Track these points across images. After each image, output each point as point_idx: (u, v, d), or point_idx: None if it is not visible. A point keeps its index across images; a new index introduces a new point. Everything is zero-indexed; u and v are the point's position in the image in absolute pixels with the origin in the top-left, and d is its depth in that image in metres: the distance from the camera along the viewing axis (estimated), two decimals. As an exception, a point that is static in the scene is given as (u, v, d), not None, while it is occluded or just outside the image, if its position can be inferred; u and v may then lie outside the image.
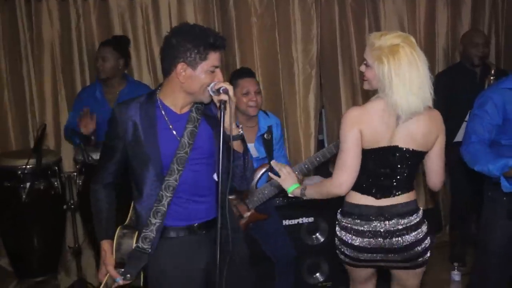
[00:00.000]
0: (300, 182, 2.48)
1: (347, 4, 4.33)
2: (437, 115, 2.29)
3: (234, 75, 3.26)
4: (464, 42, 4.16)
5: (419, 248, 2.29)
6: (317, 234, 3.63)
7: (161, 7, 4.06)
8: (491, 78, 3.82)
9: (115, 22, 4.03)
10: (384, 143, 2.20)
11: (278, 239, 3.25)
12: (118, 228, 2.22)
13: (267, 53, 4.23)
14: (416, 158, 2.27)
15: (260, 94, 3.17)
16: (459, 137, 3.70)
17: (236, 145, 2.15)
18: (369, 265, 2.39)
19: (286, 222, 3.55)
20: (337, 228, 2.36)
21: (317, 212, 3.61)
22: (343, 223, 2.33)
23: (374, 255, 2.29)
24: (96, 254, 3.52)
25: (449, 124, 3.92)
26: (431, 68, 4.45)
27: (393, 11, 4.48)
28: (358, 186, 2.28)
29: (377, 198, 2.27)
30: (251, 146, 2.93)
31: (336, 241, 2.38)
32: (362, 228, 2.27)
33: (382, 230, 2.25)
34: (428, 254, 2.35)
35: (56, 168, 3.76)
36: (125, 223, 2.27)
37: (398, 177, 2.26)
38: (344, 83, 4.36)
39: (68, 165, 4.02)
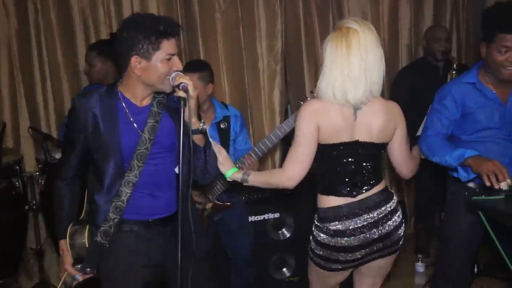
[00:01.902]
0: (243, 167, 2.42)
1: (311, 0, 4.35)
2: (394, 106, 2.28)
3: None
4: (427, 37, 4.22)
5: (400, 231, 2.29)
6: (283, 229, 3.64)
7: (123, 2, 4.01)
8: (453, 72, 3.89)
9: (76, 18, 3.95)
10: (345, 138, 2.18)
11: (239, 235, 3.26)
12: (70, 225, 2.19)
13: (231, 49, 4.21)
14: (377, 150, 2.26)
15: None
16: (420, 131, 3.75)
17: (198, 139, 2.13)
18: (357, 264, 2.32)
19: (252, 218, 3.54)
20: (322, 237, 2.24)
21: (283, 208, 3.61)
22: (325, 228, 2.23)
23: (364, 250, 2.24)
24: (59, 255, 3.45)
25: (412, 118, 4.01)
26: (395, 64, 4.60)
27: (357, 6, 4.52)
28: (331, 190, 2.24)
29: (353, 196, 2.23)
30: None
31: (322, 252, 2.25)
32: (348, 228, 2.20)
33: (365, 223, 2.21)
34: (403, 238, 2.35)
35: (17, 167, 3.65)
36: (80, 218, 2.25)
37: (364, 171, 2.24)
38: (309, 78, 4.38)
39: (29, 165, 3.92)
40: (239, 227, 3.27)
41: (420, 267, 3.86)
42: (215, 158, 2.26)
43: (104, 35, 3.98)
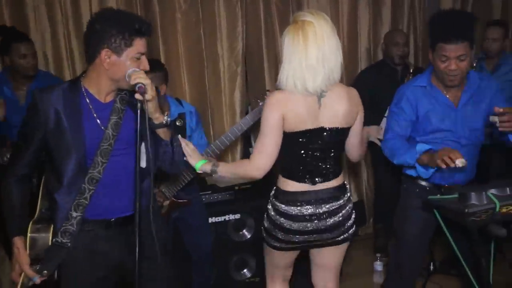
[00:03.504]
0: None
1: (272, 2, 4.37)
2: (354, 92, 2.37)
3: None
4: (386, 41, 4.31)
5: (349, 223, 2.39)
6: (244, 230, 3.64)
7: (81, 1, 3.91)
8: (410, 76, 3.99)
9: (30, 17, 3.83)
10: (310, 125, 2.23)
11: (198, 233, 3.25)
12: (30, 223, 2.12)
13: (192, 50, 4.19)
14: (342, 135, 2.34)
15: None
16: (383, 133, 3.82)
17: (163, 133, 2.12)
18: (301, 247, 2.41)
19: (212, 219, 3.54)
20: (271, 213, 2.35)
21: (243, 209, 3.61)
22: (280, 208, 2.32)
23: (309, 236, 2.32)
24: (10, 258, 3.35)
25: (371, 119, 4.09)
26: (354, 67, 4.66)
27: (317, 7, 4.54)
28: (292, 174, 2.31)
29: (313, 184, 2.31)
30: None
31: (268, 225, 2.38)
32: (300, 213, 2.29)
33: (318, 213, 2.29)
34: (353, 229, 2.43)
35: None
36: (35, 217, 2.16)
37: (328, 159, 2.31)
38: (269, 80, 4.39)
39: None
40: (199, 224, 3.27)
41: (378, 266, 3.93)
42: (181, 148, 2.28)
43: (61, 36, 3.89)
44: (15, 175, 2.10)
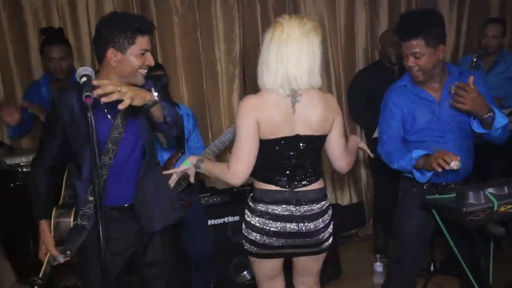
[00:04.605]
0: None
1: (269, 4, 4.39)
2: (331, 98, 2.34)
3: None
4: (383, 42, 4.29)
5: (326, 233, 2.36)
6: (243, 232, 3.63)
7: (78, 5, 3.95)
8: (405, 76, 3.99)
9: (28, 21, 3.87)
10: (285, 132, 2.21)
11: (197, 235, 3.25)
12: (54, 209, 2.31)
13: (189, 53, 4.20)
14: (318, 143, 2.31)
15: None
16: (377, 133, 3.81)
17: (157, 111, 2.10)
18: (279, 253, 2.37)
19: (212, 222, 3.54)
20: (248, 215, 2.33)
21: (242, 211, 3.57)
22: (258, 208, 2.29)
23: (287, 240, 2.29)
24: (11, 262, 3.38)
25: (368, 120, 4.09)
26: (351, 67, 4.66)
27: (314, 11, 4.57)
28: (269, 179, 2.29)
29: (290, 188, 2.29)
30: (160, 136, 2.91)
31: (245, 230, 2.34)
32: (278, 212, 2.26)
33: (297, 214, 2.27)
34: (331, 240, 2.41)
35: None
36: (60, 203, 2.35)
37: (306, 165, 2.29)
38: (267, 82, 4.38)
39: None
40: (198, 225, 3.27)
41: (378, 266, 3.91)
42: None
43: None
44: (42, 167, 2.29)
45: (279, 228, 2.27)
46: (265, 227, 2.28)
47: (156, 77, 2.90)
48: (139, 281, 2.48)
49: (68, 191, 2.37)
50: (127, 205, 2.30)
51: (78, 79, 1.94)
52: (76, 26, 3.93)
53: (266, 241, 2.30)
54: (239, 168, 2.19)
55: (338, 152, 2.39)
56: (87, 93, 1.81)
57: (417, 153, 2.51)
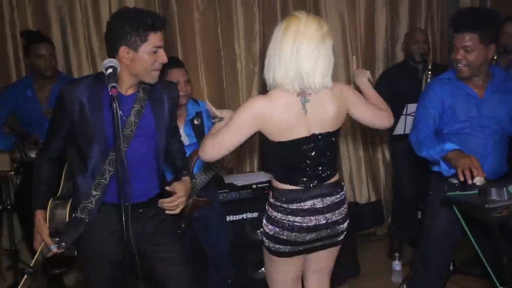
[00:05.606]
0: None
1: (289, 2, 4.39)
2: (340, 88, 2.26)
3: (164, 66, 3.22)
4: (407, 41, 4.32)
5: (345, 225, 2.36)
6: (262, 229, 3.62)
7: (100, 1, 3.97)
8: (429, 73, 3.98)
9: (52, 16, 3.91)
10: (301, 133, 2.18)
11: (214, 233, 3.24)
12: (51, 200, 2.29)
13: (210, 49, 4.22)
14: (334, 136, 2.29)
15: (190, 84, 3.14)
16: (398, 131, 3.80)
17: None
18: (304, 250, 2.34)
19: (230, 218, 3.54)
20: (273, 214, 2.28)
21: (261, 207, 3.58)
22: (283, 206, 2.26)
23: (311, 233, 2.27)
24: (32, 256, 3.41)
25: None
26: (372, 67, 4.64)
27: (334, 7, 4.57)
28: (288, 179, 2.27)
29: (313, 185, 2.27)
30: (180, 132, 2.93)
31: (271, 228, 2.30)
32: (305, 208, 2.24)
33: (319, 206, 2.26)
34: (345, 232, 2.40)
35: (-11, 166, 3.60)
36: (57, 195, 2.34)
37: (324, 161, 2.27)
38: (287, 79, 4.38)
39: (4, 164, 3.83)
40: (217, 223, 3.27)
41: (397, 265, 3.89)
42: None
43: (81, 35, 3.96)
44: (46, 158, 2.28)
45: (305, 222, 2.25)
46: (292, 223, 2.26)
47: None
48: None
49: (66, 183, 2.36)
50: (134, 203, 2.21)
51: (103, 70, 1.98)
52: (98, 23, 3.97)
53: (293, 237, 2.27)
54: (215, 151, 2.18)
55: (372, 117, 2.37)
56: (113, 84, 1.87)
57: (451, 145, 2.47)
